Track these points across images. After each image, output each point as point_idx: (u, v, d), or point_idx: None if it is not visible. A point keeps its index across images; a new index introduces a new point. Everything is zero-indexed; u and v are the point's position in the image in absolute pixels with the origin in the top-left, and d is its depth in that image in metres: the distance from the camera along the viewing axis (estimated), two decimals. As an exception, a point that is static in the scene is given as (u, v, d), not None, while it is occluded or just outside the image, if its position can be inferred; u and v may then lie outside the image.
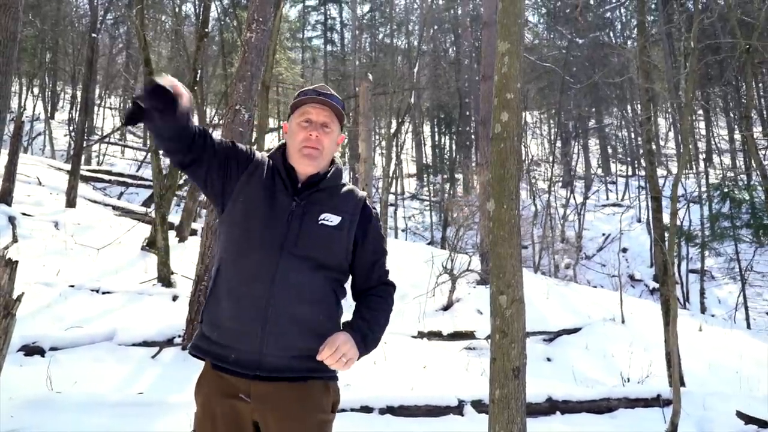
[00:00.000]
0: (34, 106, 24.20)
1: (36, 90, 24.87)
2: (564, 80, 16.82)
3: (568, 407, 5.15)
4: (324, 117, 1.82)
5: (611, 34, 24.27)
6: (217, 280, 1.78)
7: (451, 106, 25.77)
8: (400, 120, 14.19)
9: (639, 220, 20.62)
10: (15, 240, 7.47)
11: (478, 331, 7.38)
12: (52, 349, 4.82)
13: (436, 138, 28.90)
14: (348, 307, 1.85)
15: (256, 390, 1.70)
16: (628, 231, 19.72)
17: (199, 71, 9.50)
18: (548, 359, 7.37)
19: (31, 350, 4.71)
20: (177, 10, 19.41)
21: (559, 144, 22.34)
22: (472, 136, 23.25)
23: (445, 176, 25.28)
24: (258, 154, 1.88)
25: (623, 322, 8.56)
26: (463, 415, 4.75)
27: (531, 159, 25.18)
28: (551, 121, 24.93)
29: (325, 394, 1.79)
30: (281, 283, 1.70)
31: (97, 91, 24.89)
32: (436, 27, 26.29)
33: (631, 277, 17.37)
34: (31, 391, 3.97)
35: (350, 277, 1.91)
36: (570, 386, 5.84)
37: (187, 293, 6.00)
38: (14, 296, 3.15)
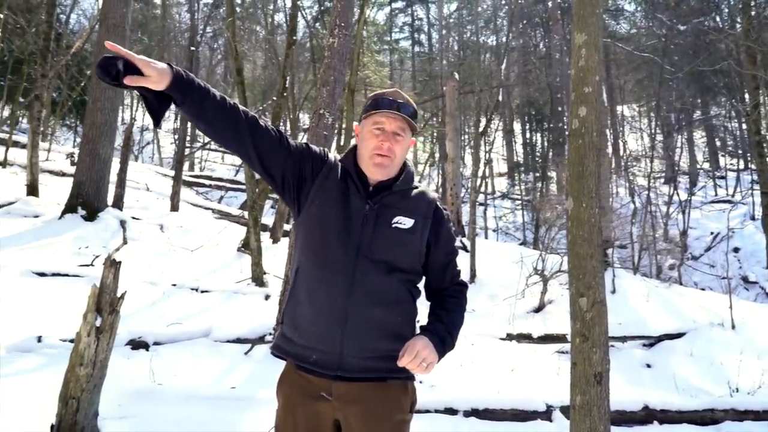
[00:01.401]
0: (143, 117, 26.01)
1: (146, 102, 26.67)
2: (663, 70, 15.81)
3: (666, 417, 4.84)
4: (396, 126, 1.82)
5: (717, 19, 22.57)
6: (296, 281, 1.83)
7: (542, 102, 25.03)
8: (488, 118, 13.96)
9: (753, 218, 19.02)
10: (125, 242, 8.07)
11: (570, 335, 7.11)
12: (156, 343, 5.15)
13: (527, 135, 28.18)
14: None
15: (338, 390, 1.74)
16: (740, 229, 18.25)
17: (288, 78, 9.83)
18: (647, 365, 6.97)
19: (137, 344, 5.05)
20: (270, 20, 20.20)
21: (660, 138, 21.06)
22: (565, 133, 22.46)
23: (537, 174, 24.58)
24: (331, 156, 1.91)
25: (733, 327, 7.92)
26: (551, 421, 4.60)
27: (629, 154, 23.93)
28: (651, 114, 23.57)
29: (404, 394, 1.81)
30: (359, 286, 1.73)
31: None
32: (525, 21, 25.62)
33: (745, 279, 16.07)
34: (136, 382, 4.28)
35: (423, 277, 1.92)
36: (670, 394, 5.49)
37: (279, 293, 6.23)
38: (118, 294, 3.41)
